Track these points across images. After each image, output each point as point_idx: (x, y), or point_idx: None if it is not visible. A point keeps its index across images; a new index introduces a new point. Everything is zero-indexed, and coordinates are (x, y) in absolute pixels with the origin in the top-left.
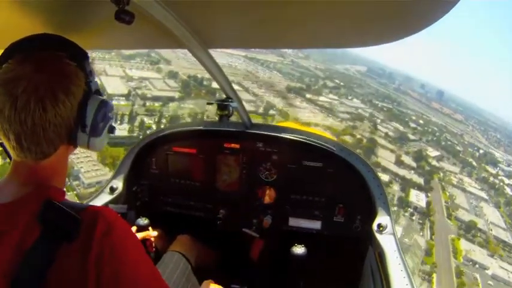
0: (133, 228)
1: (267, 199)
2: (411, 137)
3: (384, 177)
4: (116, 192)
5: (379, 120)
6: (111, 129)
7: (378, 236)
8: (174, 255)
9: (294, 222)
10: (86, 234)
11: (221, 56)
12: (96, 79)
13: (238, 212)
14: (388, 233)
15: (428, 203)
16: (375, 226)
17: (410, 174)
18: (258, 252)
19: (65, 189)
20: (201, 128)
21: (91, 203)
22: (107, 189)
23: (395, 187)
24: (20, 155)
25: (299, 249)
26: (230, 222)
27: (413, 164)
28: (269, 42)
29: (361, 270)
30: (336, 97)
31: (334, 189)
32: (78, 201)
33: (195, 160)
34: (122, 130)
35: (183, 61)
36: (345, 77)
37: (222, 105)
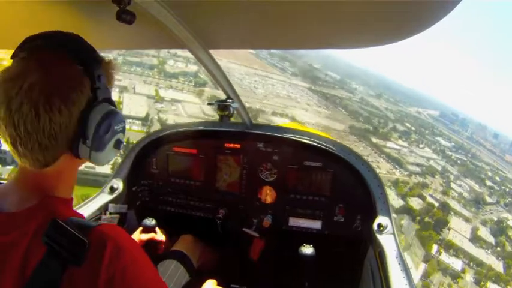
0: (140, 229)
1: (267, 199)
2: (488, 199)
3: (457, 264)
4: (116, 192)
5: (452, 177)
6: (118, 144)
7: (378, 235)
8: (177, 254)
9: (294, 222)
10: (94, 258)
11: (282, 86)
12: (111, 87)
13: (238, 212)
14: (388, 233)
15: None
16: (375, 226)
17: (487, 255)
18: (258, 252)
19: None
20: (201, 128)
21: (91, 203)
22: (107, 189)
23: (469, 276)
24: (19, 160)
25: (308, 250)
26: (230, 222)
27: (491, 240)
28: (269, 42)
29: (361, 269)
30: (405, 144)
31: (334, 189)
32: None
33: (196, 160)
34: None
35: (235, 86)
36: (416, 121)
37: (223, 106)
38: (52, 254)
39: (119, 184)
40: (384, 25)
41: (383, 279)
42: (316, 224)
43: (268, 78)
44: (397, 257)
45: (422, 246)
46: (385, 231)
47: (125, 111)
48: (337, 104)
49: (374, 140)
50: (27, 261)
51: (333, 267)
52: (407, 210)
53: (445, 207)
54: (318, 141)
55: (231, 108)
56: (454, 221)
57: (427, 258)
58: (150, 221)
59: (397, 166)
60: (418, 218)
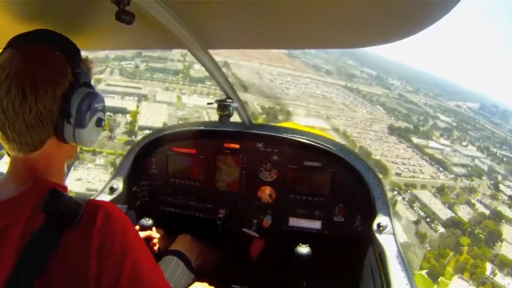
0: (136, 228)
1: (267, 199)
2: None
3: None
4: (116, 193)
5: (500, 177)
6: (99, 122)
7: (377, 235)
8: (176, 254)
9: (294, 222)
10: (87, 223)
11: (316, 85)
12: (92, 77)
13: (238, 212)
14: (388, 233)
15: None
16: (374, 226)
17: None
18: (258, 252)
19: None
20: (201, 128)
21: None
22: (107, 190)
23: None
24: (9, 146)
25: (304, 249)
26: (230, 222)
27: None
28: (269, 42)
29: (361, 270)
30: (448, 142)
31: (334, 189)
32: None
33: (195, 160)
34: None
35: (265, 88)
36: (457, 116)
37: (223, 106)
38: (50, 220)
39: (118, 184)
40: (383, 25)
41: (383, 279)
42: (316, 224)
43: (301, 77)
44: (397, 257)
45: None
46: (384, 231)
47: (140, 121)
48: (374, 102)
49: (415, 140)
50: (26, 233)
51: (333, 267)
52: (456, 223)
53: (496, 216)
54: (317, 141)
55: (231, 108)
56: (507, 230)
57: (482, 281)
58: (147, 221)
59: (441, 169)
60: (468, 230)
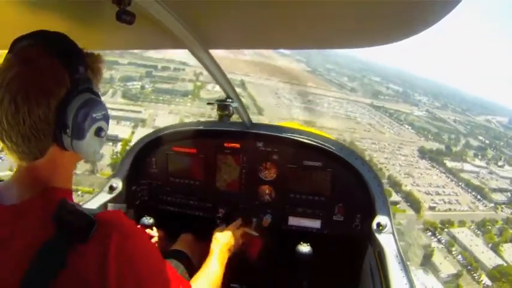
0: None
1: (266, 198)
2: None
3: None
4: (116, 191)
5: None
6: (99, 132)
7: (377, 235)
8: (177, 253)
9: (293, 221)
10: (101, 237)
11: (340, 104)
12: (98, 81)
13: (238, 212)
14: (388, 232)
15: None
16: (374, 225)
17: None
18: (258, 252)
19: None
20: (201, 127)
21: (90, 202)
22: (107, 188)
23: None
24: (10, 155)
25: (305, 248)
26: (230, 221)
27: None
28: (270, 42)
29: (361, 269)
30: (483, 163)
31: (334, 188)
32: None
33: (195, 160)
34: None
35: (283, 110)
36: (488, 132)
37: (223, 105)
38: (60, 232)
39: (118, 183)
40: (383, 25)
41: (382, 279)
42: (316, 224)
43: (324, 96)
44: (396, 256)
45: None
46: (384, 230)
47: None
48: (402, 121)
49: (449, 164)
50: (34, 247)
51: (332, 267)
52: (504, 274)
53: None
54: (317, 141)
55: (231, 108)
56: None
57: None
58: (148, 220)
59: (479, 197)
60: None
